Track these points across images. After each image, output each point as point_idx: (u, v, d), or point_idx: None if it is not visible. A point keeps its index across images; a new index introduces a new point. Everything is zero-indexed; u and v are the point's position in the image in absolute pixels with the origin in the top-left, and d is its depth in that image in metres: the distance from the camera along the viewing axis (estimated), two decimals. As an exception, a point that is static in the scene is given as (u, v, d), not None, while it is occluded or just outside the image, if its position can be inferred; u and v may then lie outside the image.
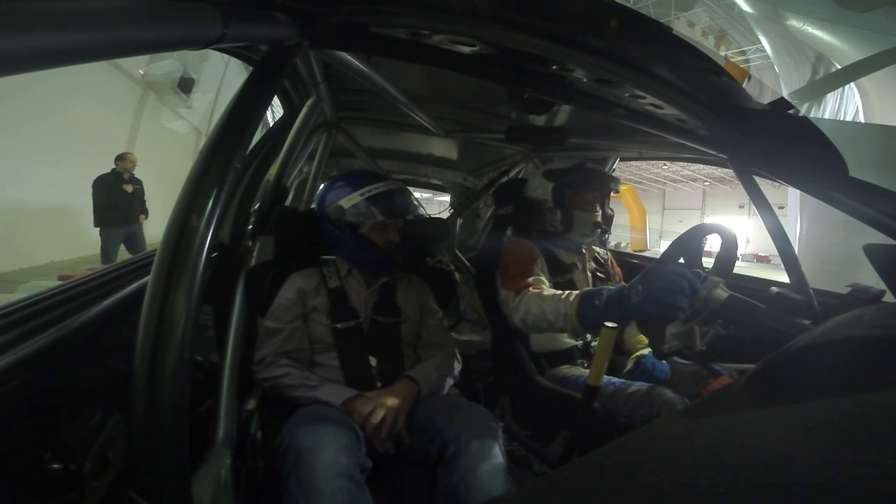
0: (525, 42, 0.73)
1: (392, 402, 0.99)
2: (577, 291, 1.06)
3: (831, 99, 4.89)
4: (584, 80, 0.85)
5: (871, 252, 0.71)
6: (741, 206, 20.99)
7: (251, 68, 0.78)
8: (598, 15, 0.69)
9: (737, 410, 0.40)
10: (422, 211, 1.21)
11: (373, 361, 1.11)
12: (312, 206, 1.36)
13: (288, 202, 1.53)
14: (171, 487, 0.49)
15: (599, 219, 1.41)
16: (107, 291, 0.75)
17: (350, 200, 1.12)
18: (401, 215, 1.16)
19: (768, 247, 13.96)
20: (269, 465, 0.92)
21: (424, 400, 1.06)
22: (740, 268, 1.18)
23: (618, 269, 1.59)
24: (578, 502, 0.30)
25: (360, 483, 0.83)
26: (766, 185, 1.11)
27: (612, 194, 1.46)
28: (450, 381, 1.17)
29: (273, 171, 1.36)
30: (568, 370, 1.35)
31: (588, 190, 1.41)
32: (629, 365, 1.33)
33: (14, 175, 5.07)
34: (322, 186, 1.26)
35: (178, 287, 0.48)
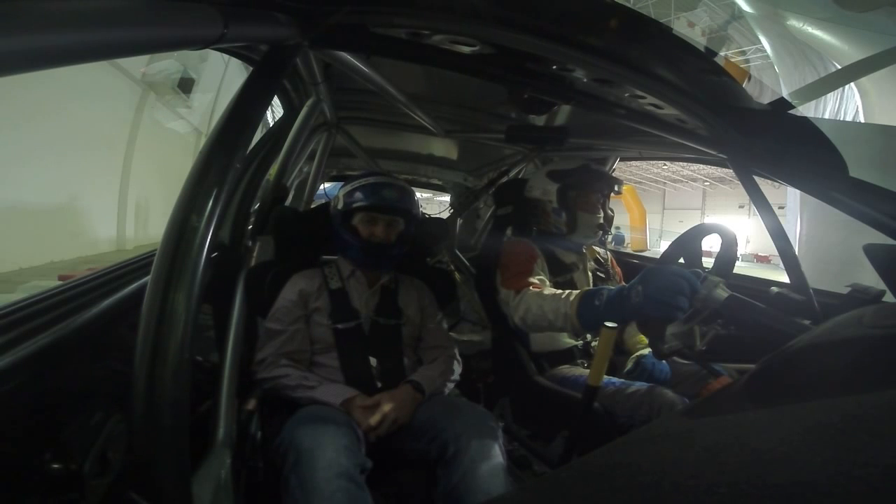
0: (525, 42, 0.73)
1: (392, 407, 0.99)
2: (577, 291, 1.06)
3: (831, 99, 4.90)
4: (584, 80, 0.85)
5: (871, 252, 0.71)
6: (741, 206, 20.99)
7: (251, 68, 0.78)
8: (598, 15, 0.69)
9: (737, 410, 0.40)
10: (421, 212, 1.23)
11: (373, 362, 1.11)
12: (313, 205, 1.36)
13: (288, 202, 1.53)
14: (171, 487, 0.49)
15: (602, 220, 1.41)
16: (107, 291, 0.75)
17: (343, 190, 1.16)
18: (387, 208, 1.16)
19: (768, 247, 13.97)
20: (269, 465, 0.92)
21: (425, 401, 1.06)
22: (740, 268, 1.18)
23: (618, 269, 1.59)
24: (578, 502, 0.30)
25: (360, 483, 0.82)
26: (766, 185, 1.11)
27: (612, 194, 1.46)
28: (450, 385, 1.17)
29: (273, 171, 1.36)
30: (568, 370, 1.35)
31: (592, 191, 1.41)
32: (629, 365, 1.33)
33: (14, 174, 5.07)
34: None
35: (178, 287, 0.48)
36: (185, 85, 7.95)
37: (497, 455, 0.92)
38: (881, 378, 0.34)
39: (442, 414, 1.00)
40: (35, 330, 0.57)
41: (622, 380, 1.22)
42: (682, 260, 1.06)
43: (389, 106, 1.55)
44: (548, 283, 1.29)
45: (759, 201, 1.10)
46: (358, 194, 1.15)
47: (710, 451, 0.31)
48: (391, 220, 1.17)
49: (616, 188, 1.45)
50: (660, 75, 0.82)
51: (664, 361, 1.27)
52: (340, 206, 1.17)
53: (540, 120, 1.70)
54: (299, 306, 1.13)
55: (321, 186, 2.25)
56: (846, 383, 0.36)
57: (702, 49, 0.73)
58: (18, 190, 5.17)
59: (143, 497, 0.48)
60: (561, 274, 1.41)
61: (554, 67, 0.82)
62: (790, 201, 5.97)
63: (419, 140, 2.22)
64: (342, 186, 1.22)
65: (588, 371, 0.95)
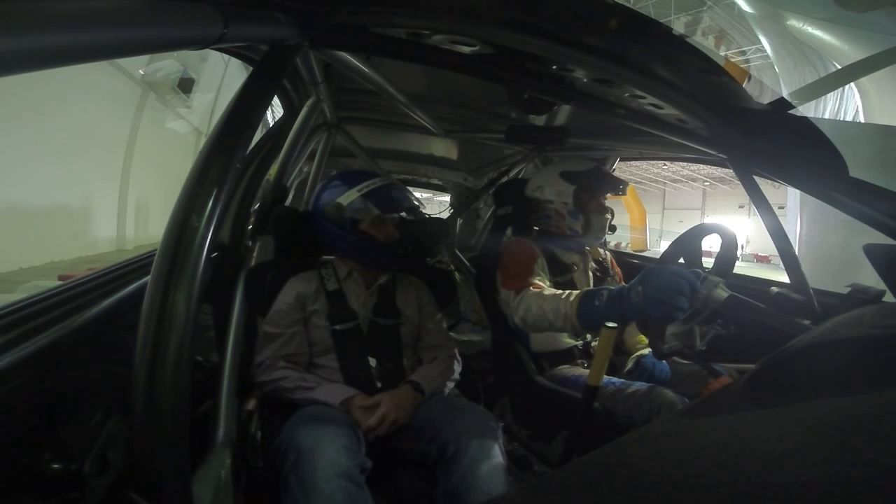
0: (525, 42, 0.73)
1: (392, 407, 0.99)
2: (577, 291, 1.06)
3: (831, 99, 4.90)
4: (584, 80, 0.85)
5: (871, 252, 0.71)
6: (741, 206, 21.00)
7: (251, 68, 0.78)
8: (598, 15, 0.69)
9: (737, 410, 0.40)
10: (420, 206, 1.23)
11: (372, 362, 1.10)
12: None
13: (288, 202, 1.53)
14: (171, 487, 0.49)
15: (609, 221, 1.43)
16: (107, 291, 0.75)
17: (348, 197, 1.14)
18: (398, 210, 1.17)
19: (768, 247, 13.96)
20: (269, 465, 0.92)
21: (424, 401, 1.06)
22: (740, 268, 1.18)
23: (618, 270, 1.59)
24: (578, 502, 0.30)
25: (360, 483, 0.82)
26: (766, 185, 1.11)
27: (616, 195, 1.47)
28: (450, 385, 1.17)
29: (273, 171, 1.36)
30: (568, 370, 1.35)
31: (602, 193, 1.43)
32: (629, 365, 1.33)
33: (14, 174, 5.07)
34: (318, 187, 1.27)
35: (178, 287, 0.48)
36: (185, 85, 7.94)
37: (497, 455, 0.92)
38: (881, 378, 0.34)
39: (442, 414, 1.00)
40: (35, 330, 0.57)
41: (622, 380, 1.22)
42: (682, 260, 1.06)
43: (389, 106, 1.55)
44: (547, 283, 1.29)
45: (759, 201, 1.10)
46: (370, 203, 1.13)
47: (710, 451, 0.31)
48: (394, 218, 1.18)
49: (621, 189, 1.45)
50: (660, 75, 0.82)
51: (664, 361, 1.27)
52: (352, 215, 1.14)
53: (540, 120, 1.70)
54: (297, 309, 1.13)
55: None
56: (846, 383, 0.36)
57: (702, 49, 0.73)
58: (19, 190, 5.17)
59: (143, 497, 0.48)
60: (561, 274, 1.41)
61: (554, 67, 0.82)
62: (790, 201, 5.98)
63: (419, 140, 2.22)
64: (330, 189, 1.19)
65: (588, 371, 0.95)
